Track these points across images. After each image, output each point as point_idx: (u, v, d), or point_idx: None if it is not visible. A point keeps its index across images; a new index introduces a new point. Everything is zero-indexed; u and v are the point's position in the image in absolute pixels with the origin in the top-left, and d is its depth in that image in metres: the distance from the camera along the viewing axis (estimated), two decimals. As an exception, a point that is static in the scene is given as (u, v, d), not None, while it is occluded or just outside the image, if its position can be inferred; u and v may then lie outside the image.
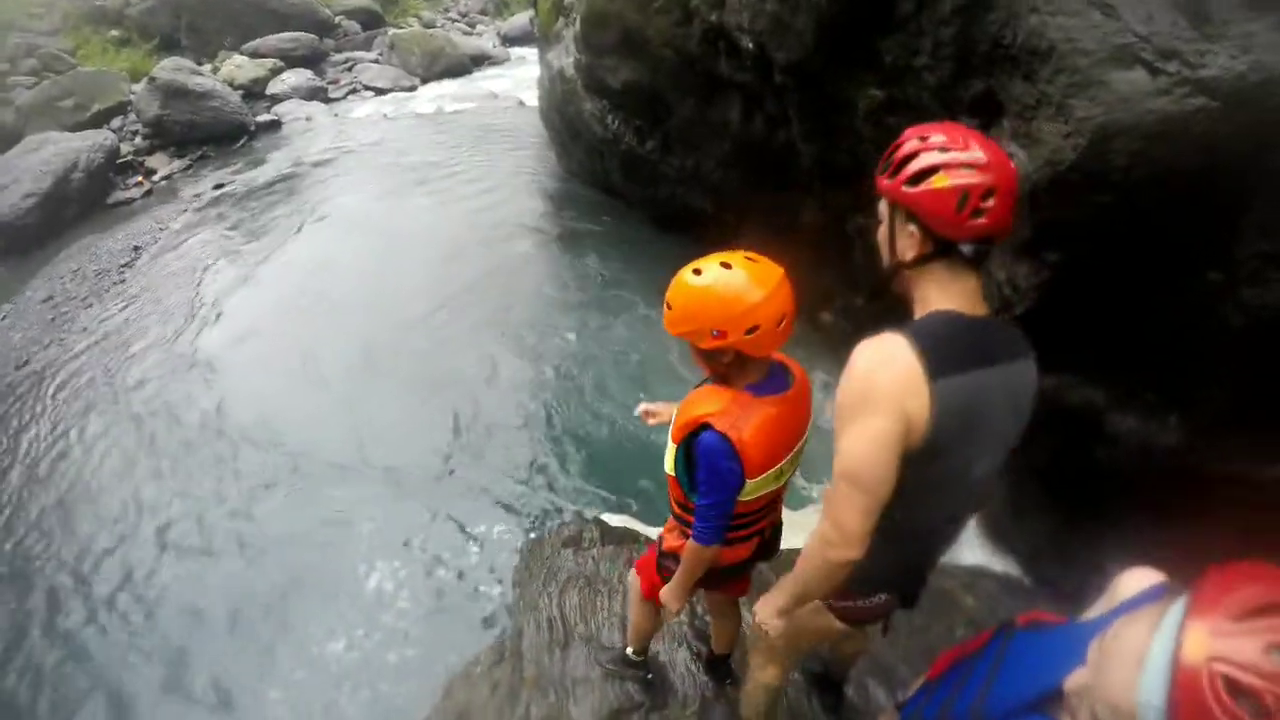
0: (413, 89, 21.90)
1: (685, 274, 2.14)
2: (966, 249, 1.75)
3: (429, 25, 28.41)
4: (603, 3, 9.18)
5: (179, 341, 10.08)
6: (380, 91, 21.74)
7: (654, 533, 5.34)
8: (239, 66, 21.68)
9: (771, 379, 2.29)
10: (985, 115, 4.29)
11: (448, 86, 21.66)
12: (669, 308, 2.17)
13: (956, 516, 2.06)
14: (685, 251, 2.50)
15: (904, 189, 1.75)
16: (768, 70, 6.57)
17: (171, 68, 18.86)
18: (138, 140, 18.48)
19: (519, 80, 20.35)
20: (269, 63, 22.23)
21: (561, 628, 4.19)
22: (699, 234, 8.88)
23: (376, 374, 8.61)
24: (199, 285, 11.61)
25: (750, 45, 6.62)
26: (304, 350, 9.18)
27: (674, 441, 2.35)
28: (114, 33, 22.72)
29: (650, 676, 3.67)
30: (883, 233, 1.91)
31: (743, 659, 3.51)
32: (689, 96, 8.31)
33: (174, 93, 18.27)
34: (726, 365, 2.22)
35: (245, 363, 9.27)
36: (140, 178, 17.36)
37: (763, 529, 2.59)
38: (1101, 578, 1.65)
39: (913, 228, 1.80)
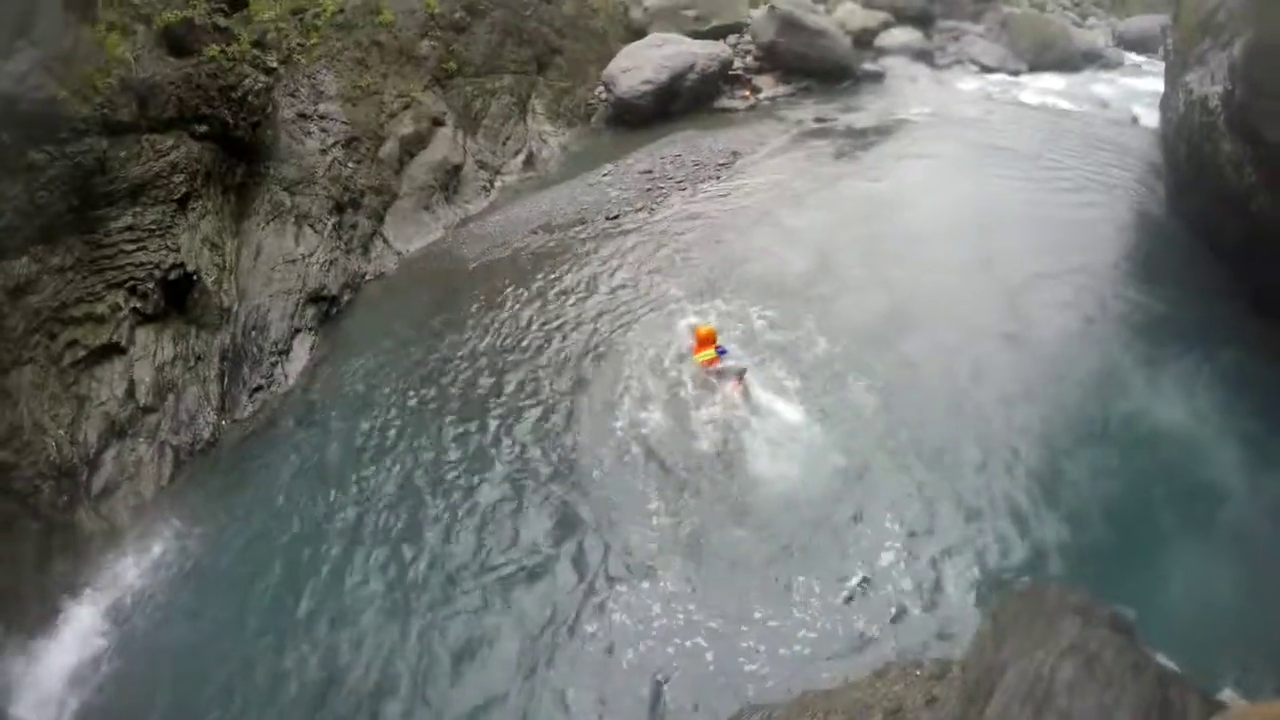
0: (1018, 73, 21.65)
1: None
2: None
3: (1040, 7, 27.69)
4: (1278, 33, 8.21)
5: (757, 255, 11.21)
6: (986, 69, 21.85)
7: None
8: (851, 13, 22.98)
9: None
10: None
11: (1054, 81, 21.03)
12: None
13: None
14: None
15: None
16: None
17: (790, 1, 20.53)
18: (749, 59, 20.62)
19: (1132, 92, 19.20)
20: (880, 15, 23.29)
21: (1043, 691, 4.11)
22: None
23: (923, 352, 8.82)
24: (783, 204, 12.79)
25: None
26: (870, 299, 9.75)
27: None
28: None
29: None
30: None
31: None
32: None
33: (790, 24, 20.06)
34: None
35: (806, 295, 9.96)
36: (747, 92, 19.48)
37: None
38: None
39: None
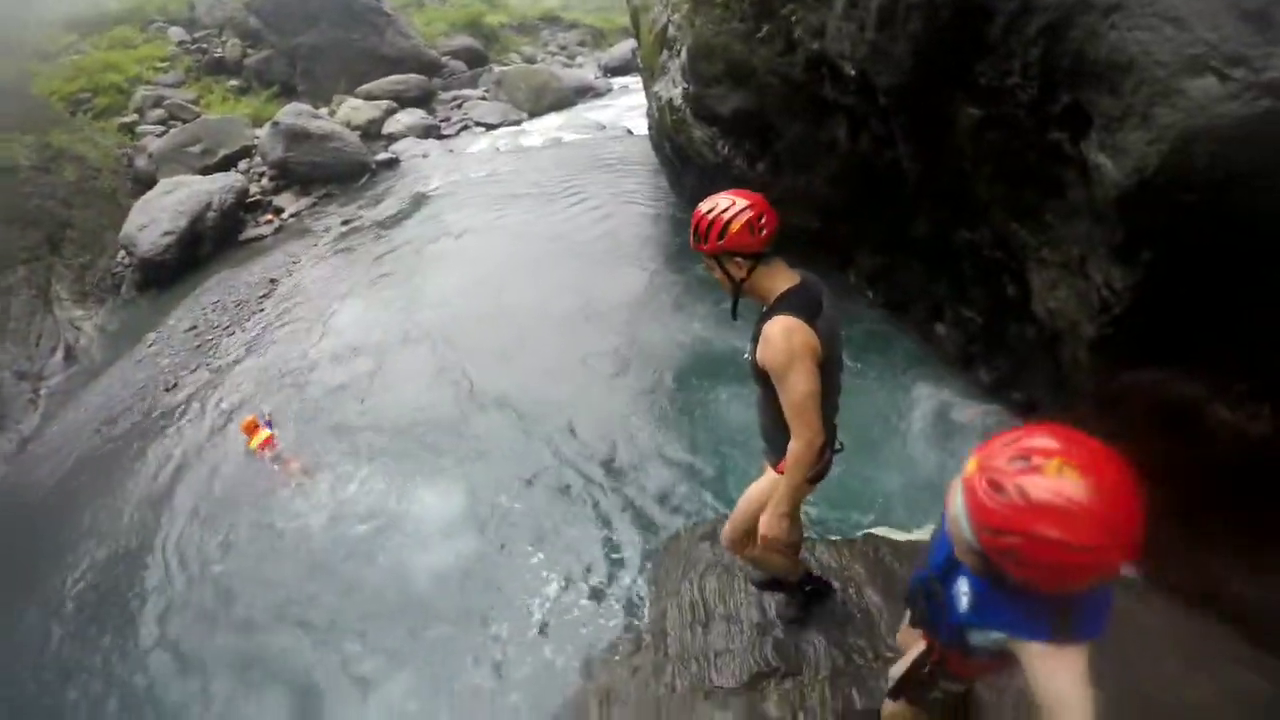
0: (520, 123, 22.78)
1: None
2: (767, 251, 3.01)
3: (531, 60, 29.39)
4: (708, 36, 9.53)
5: (316, 368, 10.77)
6: (490, 127, 22.71)
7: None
8: (355, 109, 23.01)
9: None
10: (1074, 128, 4.56)
11: (555, 119, 22.44)
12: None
13: (838, 398, 3.28)
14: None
15: (719, 242, 2.97)
16: (871, 93, 6.87)
17: (292, 112, 20.11)
18: (264, 181, 19.69)
19: (624, 110, 21.09)
20: (383, 104, 23.52)
21: (702, 609, 4.65)
22: (808, 252, 8.95)
23: (492, 399, 9.06)
24: (332, 315, 12.34)
25: (852, 71, 6.94)
26: (428, 375, 9.82)
27: None
28: (233, 82, 24.44)
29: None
30: (719, 276, 3.13)
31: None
32: (796, 120, 8.58)
33: (296, 136, 19.46)
34: None
35: (373, 389, 9.82)
36: (270, 215, 18.48)
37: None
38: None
39: (738, 258, 3.01)
